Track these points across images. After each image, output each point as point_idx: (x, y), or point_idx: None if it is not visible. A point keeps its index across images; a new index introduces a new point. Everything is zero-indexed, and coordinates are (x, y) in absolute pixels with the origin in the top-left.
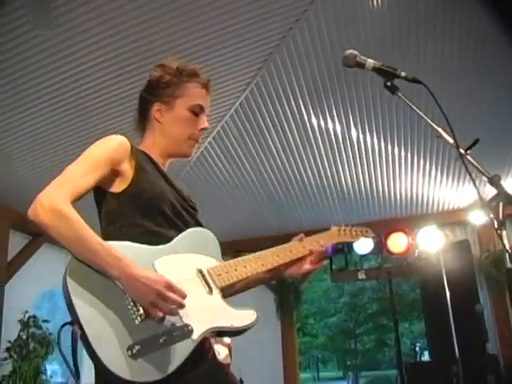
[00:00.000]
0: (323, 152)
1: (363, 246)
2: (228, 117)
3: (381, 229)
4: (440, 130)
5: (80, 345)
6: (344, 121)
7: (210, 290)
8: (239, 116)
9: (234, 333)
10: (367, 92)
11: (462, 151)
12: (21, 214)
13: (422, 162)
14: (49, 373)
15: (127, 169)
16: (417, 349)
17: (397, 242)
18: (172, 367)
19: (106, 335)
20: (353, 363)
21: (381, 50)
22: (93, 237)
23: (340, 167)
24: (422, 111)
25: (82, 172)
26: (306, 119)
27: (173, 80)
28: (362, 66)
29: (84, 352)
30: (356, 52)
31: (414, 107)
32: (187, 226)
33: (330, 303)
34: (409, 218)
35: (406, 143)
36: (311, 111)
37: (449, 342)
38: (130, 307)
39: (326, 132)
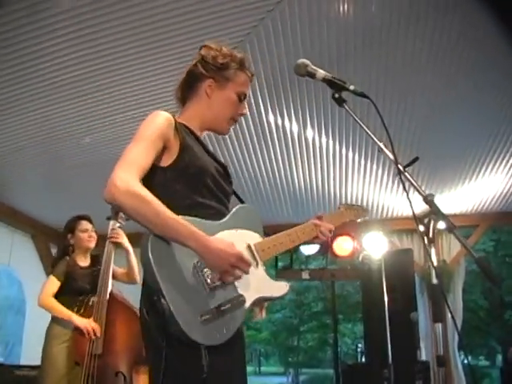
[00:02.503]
0: (278, 149)
1: (309, 247)
2: None
3: None
4: (381, 145)
5: (14, 328)
6: (301, 120)
7: (256, 264)
8: None
9: (271, 300)
10: (326, 94)
11: (401, 168)
12: None
13: (374, 168)
14: None
15: (173, 144)
16: (358, 350)
17: (342, 246)
18: (231, 332)
19: (183, 304)
20: (294, 360)
21: (342, 56)
22: (169, 213)
23: (293, 165)
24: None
25: (142, 152)
26: (264, 115)
27: (230, 64)
28: (312, 75)
29: (24, 334)
30: (308, 61)
31: (358, 121)
32: (226, 196)
33: None
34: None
35: (361, 148)
36: (269, 108)
37: (383, 347)
38: (200, 279)
39: (282, 130)
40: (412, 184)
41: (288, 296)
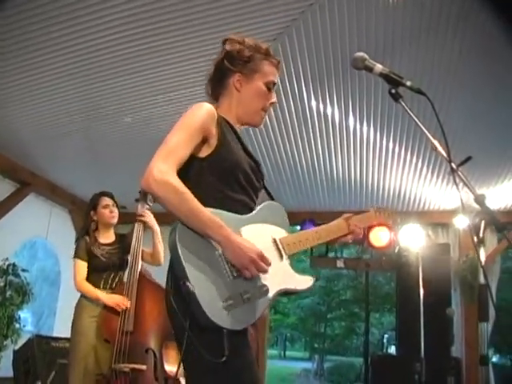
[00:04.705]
0: (318, 136)
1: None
2: None
3: None
4: (436, 142)
5: (48, 300)
6: (343, 108)
7: (281, 257)
8: None
9: (294, 293)
10: (370, 83)
11: (454, 166)
12: (10, 162)
13: (414, 159)
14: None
15: (213, 136)
16: (384, 340)
17: (379, 236)
18: (252, 319)
19: (207, 289)
20: (320, 346)
21: (388, 48)
22: (198, 205)
23: (333, 153)
24: (419, 119)
25: (181, 142)
26: (306, 101)
27: (254, 55)
28: (369, 69)
29: (58, 305)
30: (366, 55)
31: (414, 117)
32: (255, 191)
33: None
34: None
35: (402, 138)
36: (312, 94)
37: (416, 340)
38: (224, 267)
39: (324, 116)
40: (465, 183)
41: (318, 282)
